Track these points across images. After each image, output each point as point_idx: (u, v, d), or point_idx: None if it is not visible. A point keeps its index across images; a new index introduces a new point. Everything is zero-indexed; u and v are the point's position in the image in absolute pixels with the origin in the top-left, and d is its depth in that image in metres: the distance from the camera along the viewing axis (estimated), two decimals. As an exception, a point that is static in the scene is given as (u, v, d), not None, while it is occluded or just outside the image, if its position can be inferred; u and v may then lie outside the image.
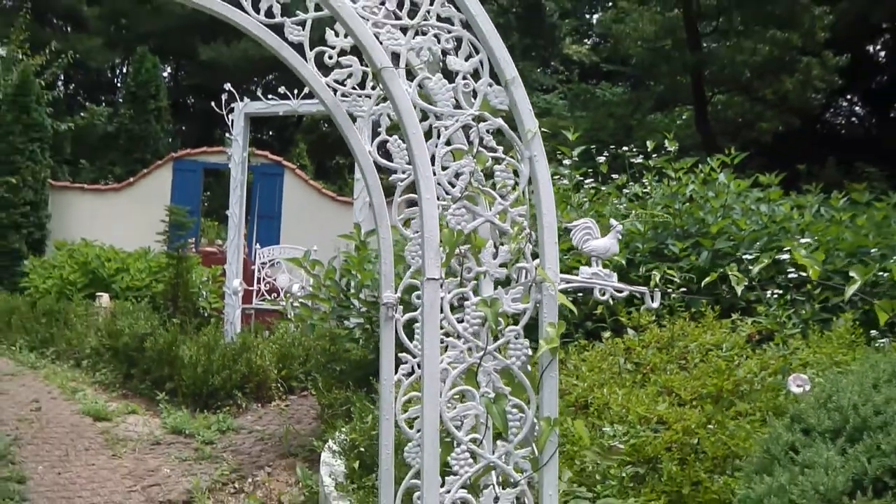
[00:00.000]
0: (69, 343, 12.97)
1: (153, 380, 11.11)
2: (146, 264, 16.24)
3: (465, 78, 4.06)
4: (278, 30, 4.71)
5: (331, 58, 4.66)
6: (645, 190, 9.86)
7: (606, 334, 7.12)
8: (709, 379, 5.61)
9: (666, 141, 9.66)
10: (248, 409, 10.77)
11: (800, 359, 5.74)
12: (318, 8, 4.66)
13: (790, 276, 7.39)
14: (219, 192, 23.81)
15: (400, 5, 4.11)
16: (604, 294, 4.21)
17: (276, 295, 15.20)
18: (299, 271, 15.09)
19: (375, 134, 4.75)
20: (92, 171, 23.70)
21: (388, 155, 4.71)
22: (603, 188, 9.93)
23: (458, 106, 4.06)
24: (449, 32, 4.11)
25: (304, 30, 4.66)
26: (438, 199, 3.97)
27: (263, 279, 15.53)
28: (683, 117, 28.49)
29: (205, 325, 12.91)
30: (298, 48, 4.69)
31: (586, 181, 10.03)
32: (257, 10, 4.60)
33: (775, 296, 7.09)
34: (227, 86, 14.82)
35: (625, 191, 10.02)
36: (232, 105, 14.59)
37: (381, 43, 4.02)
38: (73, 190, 21.60)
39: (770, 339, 6.47)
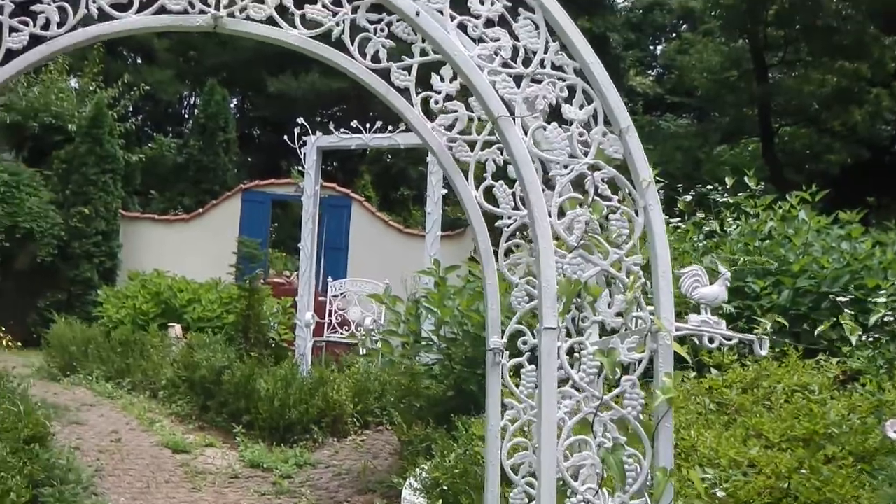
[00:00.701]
0: (145, 374, 13.08)
1: (230, 412, 11.18)
2: (217, 295, 16.37)
3: (579, 126, 4.06)
4: (385, 75, 4.75)
5: (437, 102, 4.68)
6: (723, 227, 9.78)
7: (690, 374, 7.05)
8: (798, 421, 5.52)
9: (746, 178, 9.60)
10: (324, 443, 10.81)
11: (888, 401, 5.64)
12: (423, 53, 4.70)
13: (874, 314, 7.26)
14: (285, 223, 24.00)
15: (514, 53, 4.12)
16: (713, 342, 4.17)
17: (347, 328, 15.28)
18: (371, 304, 15.23)
19: (480, 179, 4.75)
20: (161, 201, 23.98)
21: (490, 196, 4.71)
22: (682, 225, 9.86)
23: (572, 154, 4.05)
24: (562, 80, 4.11)
25: (410, 75, 4.71)
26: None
27: (335, 312, 15.58)
28: (749, 149, 28.28)
29: (276, 358, 13.00)
30: (404, 93, 4.72)
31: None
32: (364, 55, 4.64)
33: (860, 336, 6.97)
34: (300, 119, 14.97)
35: (703, 227, 9.94)
36: (304, 138, 14.69)
37: (496, 91, 4.04)
38: (143, 220, 21.86)
39: (854, 380, 6.37)
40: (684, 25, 34.32)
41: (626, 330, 4.06)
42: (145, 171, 23.94)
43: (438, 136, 4.72)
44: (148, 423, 11.34)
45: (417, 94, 4.68)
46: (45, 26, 4.66)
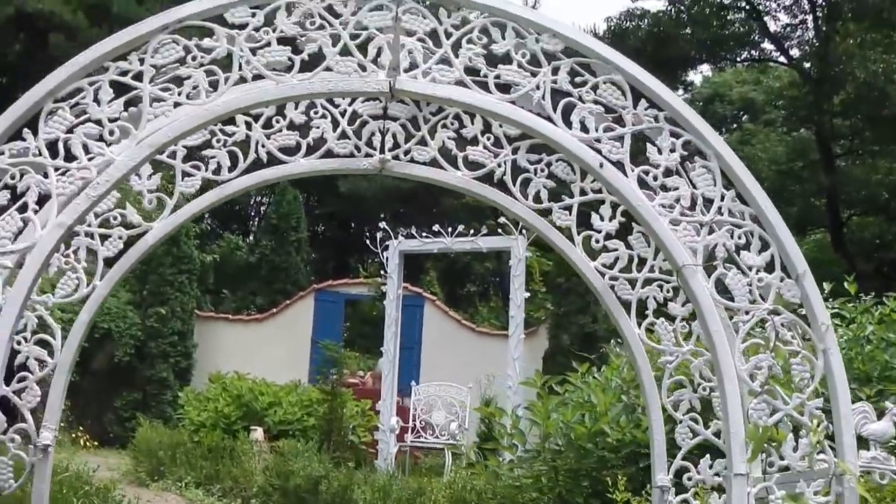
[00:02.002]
0: (236, 480, 13.07)
1: (326, 522, 11.16)
2: (298, 398, 16.40)
3: (758, 272, 4.13)
4: (546, 214, 4.84)
5: (597, 241, 4.75)
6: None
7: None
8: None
9: (845, 283, 9.55)
10: (421, 555, 10.74)
11: None
12: (582, 192, 4.79)
13: None
14: (355, 321, 24.10)
15: (692, 203, 4.20)
16: (883, 478, 4.17)
17: (431, 432, 15.26)
18: (454, 407, 15.24)
19: (641, 315, 4.81)
20: (234, 300, 24.22)
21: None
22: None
23: (752, 300, 4.11)
24: (740, 227, 4.18)
25: (570, 214, 4.79)
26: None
27: (418, 416, 15.57)
28: (815, 237, 28.16)
29: (357, 461, 13.00)
30: (565, 232, 4.80)
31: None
32: (525, 196, 4.74)
33: None
34: (382, 224, 15.16)
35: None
36: (387, 242, 14.84)
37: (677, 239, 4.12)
38: (217, 320, 22.07)
39: None
40: (745, 116, 34.46)
41: (810, 472, 4.07)
42: (217, 271, 24.24)
43: (600, 276, 4.79)
44: (243, 532, 11.34)
45: (578, 233, 4.76)
46: (217, 171, 4.80)
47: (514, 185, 4.80)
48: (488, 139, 4.90)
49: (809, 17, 28.31)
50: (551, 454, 9.07)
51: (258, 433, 15.37)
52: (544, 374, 9.72)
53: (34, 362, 4.79)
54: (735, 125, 35.02)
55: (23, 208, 4.06)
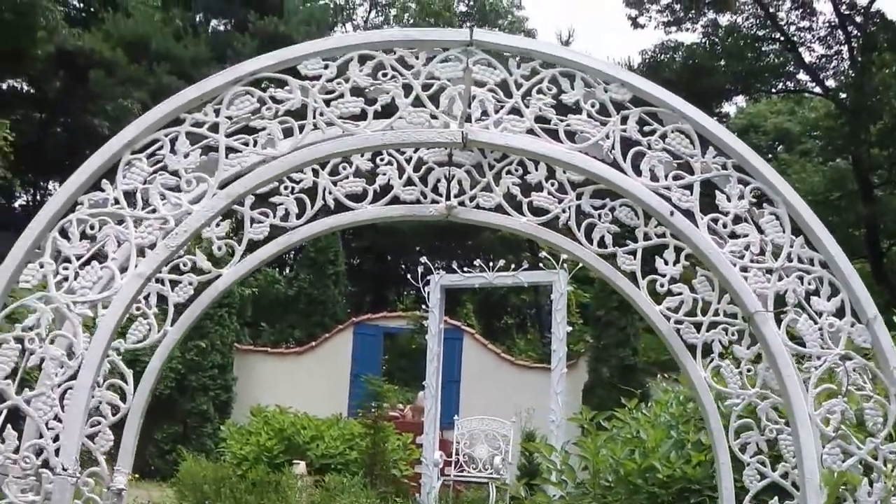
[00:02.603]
0: (280, 516, 13.14)
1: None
2: (339, 432, 16.46)
3: (828, 317, 4.15)
4: (610, 258, 4.88)
5: (662, 286, 4.78)
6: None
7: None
8: None
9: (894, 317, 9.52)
10: (469, 590, 10.73)
11: None
12: (646, 237, 4.83)
13: None
14: (393, 354, 24.15)
15: (761, 249, 4.23)
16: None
17: (474, 466, 15.26)
18: (498, 441, 15.24)
19: (705, 356, 4.84)
20: (272, 333, 24.33)
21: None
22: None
23: (824, 346, 4.13)
24: (809, 273, 4.21)
25: (635, 259, 4.82)
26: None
27: (461, 450, 15.57)
28: (855, 268, 27.95)
29: (398, 494, 13.00)
30: (630, 276, 4.84)
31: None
32: (590, 241, 4.77)
33: None
34: (423, 258, 15.22)
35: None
36: (428, 277, 14.89)
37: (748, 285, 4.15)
38: (257, 353, 22.18)
39: None
40: (780, 146, 34.42)
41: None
42: (255, 304, 24.37)
43: (665, 320, 4.81)
44: (291, 568, 11.36)
45: (643, 276, 4.80)
46: (285, 217, 4.87)
47: (579, 230, 4.84)
48: (552, 185, 4.96)
49: (845, 48, 28.36)
50: (601, 490, 9.06)
51: (301, 467, 15.42)
52: (584, 407, 9.72)
53: (107, 407, 4.87)
54: (770, 155, 34.95)
55: (102, 258, 4.14)
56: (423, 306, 15.85)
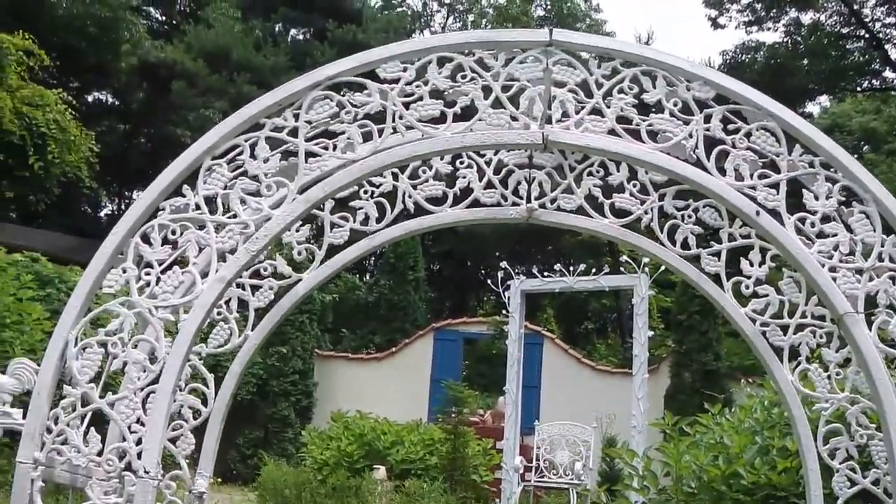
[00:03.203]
0: (361, 520, 13.17)
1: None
2: (419, 437, 16.44)
3: (922, 319, 4.03)
4: (695, 261, 4.79)
5: (747, 287, 4.68)
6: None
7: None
8: None
9: None
10: None
11: None
12: (731, 238, 4.74)
13: None
14: (471, 359, 24.12)
15: (850, 249, 4.12)
16: None
17: (555, 472, 15.16)
18: (578, 447, 15.13)
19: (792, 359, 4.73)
20: (353, 340, 24.45)
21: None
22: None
23: (918, 348, 4.02)
24: (901, 273, 4.10)
25: (719, 260, 4.73)
26: None
27: (542, 456, 15.49)
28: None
29: (477, 500, 12.95)
30: (715, 278, 4.75)
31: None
32: (673, 243, 4.69)
33: None
34: (503, 263, 15.16)
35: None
36: (508, 282, 14.83)
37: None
38: (337, 359, 22.30)
39: None
40: (866, 146, 33.78)
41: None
42: (335, 310, 24.53)
43: (751, 322, 4.71)
44: (373, 573, 11.37)
45: (728, 278, 4.70)
46: (365, 221, 4.86)
47: (662, 231, 4.77)
48: (634, 186, 4.89)
49: (932, 45, 27.76)
50: (684, 497, 8.93)
51: (381, 472, 15.42)
52: (665, 413, 9.60)
53: (188, 411, 4.90)
54: (856, 155, 34.30)
55: (183, 263, 4.17)
56: (504, 311, 15.79)
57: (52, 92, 25.80)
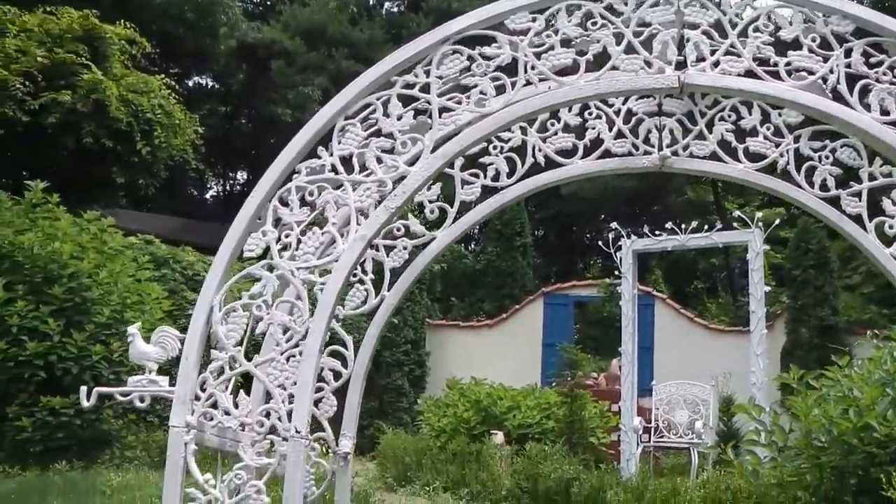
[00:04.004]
0: (483, 485, 13.20)
1: (580, 525, 11.11)
2: (536, 401, 16.44)
3: None
4: (835, 203, 4.68)
5: (891, 227, 4.55)
6: None
7: None
8: None
9: None
10: (679, 555, 10.57)
11: None
12: (871, 178, 4.61)
13: None
14: (583, 323, 24.04)
15: None
16: None
17: (674, 431, 15.06)
18: (698, 406, 14.99)
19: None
20: (462, 308, 24.51)
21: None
22: None
23: None
24: None
25: (860, 201, 4.61)
26: None
27: (660, 416, 15.38)
28: None
29: (596, 463, 12.91)
30: (856, 219, 4.63)
31: None
32: (811, 185, 4.59)
33: None
34: (614, 224, 15.04)
35: None
36: (619, 242, 14.72)
37: None
38: (448, 327, 22.41)
39: None
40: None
41: None
42: (444, 279, 24.64)
43: (896, 263, 4.59)
44: (498, 535, 11.41)
45: (870, 219, 4.58)
46: (496, 177, 4.85)
47: (799, 174, 4.66)
48: (768, 129, 4.79)
49: None
50: (814, 451, 8.78)
51: (499, 437, 15.47)
52: (793, 367, 9.43)
53: (329, 373, 4.95)
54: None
55: (322, 223, 4.20)
56: (614, 273, 15.70)
57: (156, 78, 26.29)
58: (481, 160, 4.94)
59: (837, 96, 4.05)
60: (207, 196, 41.99)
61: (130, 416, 15.81)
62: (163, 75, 27.45)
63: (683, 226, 14.56)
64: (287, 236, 4.19)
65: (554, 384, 17.47)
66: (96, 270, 15.32)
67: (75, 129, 23.67)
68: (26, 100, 22.79)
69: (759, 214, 14.45)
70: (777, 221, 14.56)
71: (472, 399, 16.48)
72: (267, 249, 4.20)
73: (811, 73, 4.04)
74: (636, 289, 14.85)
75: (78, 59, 23.75)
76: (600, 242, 15.52)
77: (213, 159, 36.17)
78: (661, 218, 23.68)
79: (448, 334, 22.16)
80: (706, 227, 14.46)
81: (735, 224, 14.50)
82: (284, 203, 4.24)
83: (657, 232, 15.00)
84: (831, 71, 4.03)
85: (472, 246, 31.77)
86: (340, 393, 5.13)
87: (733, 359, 17.14)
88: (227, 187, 42.42)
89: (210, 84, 39.91)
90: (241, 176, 42.02)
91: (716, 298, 28.04)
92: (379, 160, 4.18)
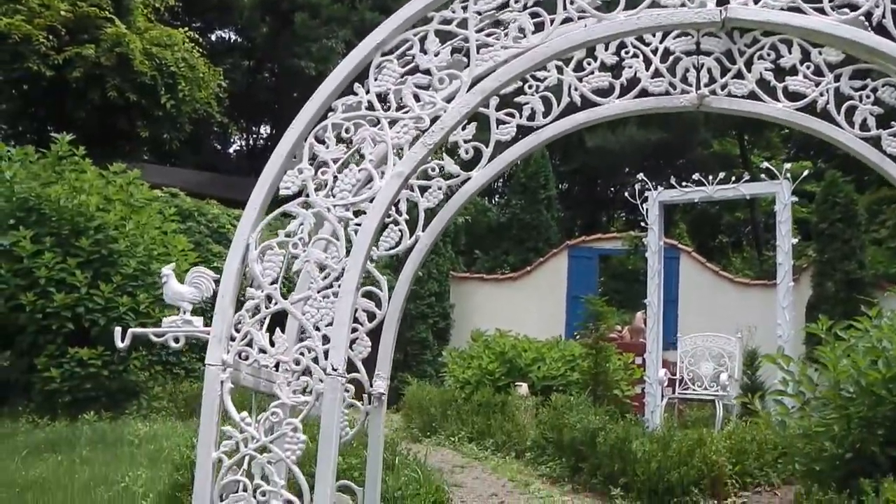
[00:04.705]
0: (508, 435, 13.26)
1: (605, 475, 11.11)
2: (560, 353, 16.47)
3: None
4: (875, 143, 4.62)
5: (932, 168, 4.51)
6: None
7: None
8: None
9: None
10: (706, 506, 10.58)
11: None
12: (912, 117, 4.55)
13: None
14: (607, 277, 24.02)
15: None
16: None
17: (700, 383, 15.05)
18: (723, 358, 14.97)
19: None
20: (486, 261, 24.50)
21: None
22: None
23: None
24: None
25: (902, 141, 4.56)
26: None
27: (686, 368, 15.38)
28: None
29: (622, 414, 12.93)
30: (897, 160, 4.58)
31: None
32: (851, 125, 4.54)
33: None
34: (640, 175, 14.96)
35: None
36: (646, 193, 14.64)
37: None
38: (472, 280, 22.42)
39: None
40: None
41: None
42: (468, 232, 24.63)
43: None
44: (523, 485, 11.44)
45: (909, 160, 4.53)
46: (531, 117, 4.81)
47: (839, 113, 4.61)
48: (808, 68, 4.72)
49: None
50: (842, 401, 8.75)
51: (523, 388, 15.52)
52: (821, 317, 9.38)
53: (363, 314, 4.95)
54: None
55: (358, 160, 4.18)
56: (640, 225, 15.65)
57: (179, 31, 26.25)
58: (516, 100, 4.90)
59: (881, 31, 3.98)
60: (231, 150, 42.03)
61: (157, 367, 15.95)
62: (186, 28, 27.41)
63: (710, 177, 14.48)
64: (323, 174, 4.16)
65: (578, 336, 17.47)
66: (123, 222, 15.40)
67: (99, 83, 23.75)
68: (50, 54, 22.86)
69: (787, 165, 14.35)
70: (805, 173, 14.45)
71: (496, 351, 16.52)
72: (303, 188, 4.17)
73: (855, 7, 3.97)
74: (662, 241, 14.78)
75: (101, 13, 23.78)
76: (626, 194, 15.47)
77: (236, 113, 36.13)
78: (686, 171, 23.57)
79: (472, 287, 22.19)
80: (733, 178, 14.36)
81: (763, 175, 14.35)
82: (320, 141, 4.20)
83: (684, 183, 14.93)
84: (876, 5, 3.97)
85: (497, 199, 31.70)
86: (374, 335, 5.12)
87: (759, 312, 17.11)
88: (251, 141, 42.41)
89: (233, 38, 39.83)
90: (265, 130, 42.02)
91: (740, 253, 27.96)
92: (416, 97, 4.14)
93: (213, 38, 38.45)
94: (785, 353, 12.21)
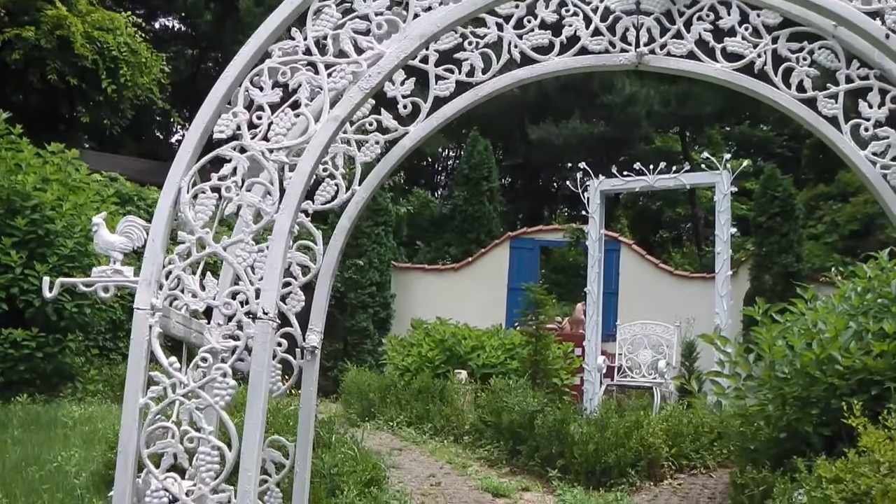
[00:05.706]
0: (447, 419, 13.25)
1: (542, 457, 11.14)
2: (500, 341, 16.47)
3: None
4: (811, 104, 4.66)
5: (867, 130, 4.55)
6: None
7: None
8: None
9: None
10: (640, 487, 10.63)
11: None
12: (848, 80, 4.59)
13: None
14: (548, 269, 24.09)
15: None
16: None
17: (638, 370, 15.15)
18: (662, 346, 15.09)
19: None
20: (428, 251, 24.48)
21: None
22: None
23: None
24: None
25: (836, 103, 4.60)
26: None
27: (624, 355, 15.47)
28: None
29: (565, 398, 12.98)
30: (833, 122, 4.62)
31: None
32: (788, 86, 4.57)
33: None
34: (582, 164, 15.03)
35: None
36: (587, 183, 14.70)
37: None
38: (414, 271, 22.39)
39: None
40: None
41: None
42: (410, 223, 24.59)
43: (871, 165, 4.58)
44: (460, 467, 11.44)
45: (846, 121, 4.57)
46: (470, 73, 4.78)
47: (776, 75, 4.64)
48: (746, 29, 4.75)
49: None
50: (777, 382, 8.84)
51: (463, 375, 15.49)
52: (759, 299, 9.49)
53: (297, 268, 4.89)
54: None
55: (294, 105, 4.13)
56: (581, 217, 15.75)
57: (122, 15, 25.92)
58: (456, 56, 4.87)
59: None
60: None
61: (93, 351, 15.71)
62: (129, 13, 27.09)
63: (651, 166, 14.59)
64: (259, 118, 4.11)
65: (518, 326, 17.51)
66: (60, 202, 15.12)
67: (40, 65, 23.33)
68: (-11, 35, 22.45)
69: (727, 156, 14.49)
70: (744, 164, 14.61)
71: (436, 338, 16.47)
72: (238, 132, 4.11)
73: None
74: (603, 230, 14.86)
75: (43, -5, 23.38)
76: (568, 182, 15.52)
77: (179, 103, 35.78)
78: (628, 167, 23.75)
79: (413, 277, 22.16)
80: (674, 168, 14.48)
81: (703, 166, 14.49)
82: (256, 86, 4.15)
83: (625, 173, 15.02)
84: (812, -40, 3.99)
85: (440, 192, 31.68)
86: (307, 289, 5.06)
87: (698, 305, 17.26)
88: (194, 131, 41.93)
89: (177, 26, 39.44)
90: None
91: (681, 248, 28.20)
92: (354, 42, 4.10)
93: (157, 25, 38.07)
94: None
